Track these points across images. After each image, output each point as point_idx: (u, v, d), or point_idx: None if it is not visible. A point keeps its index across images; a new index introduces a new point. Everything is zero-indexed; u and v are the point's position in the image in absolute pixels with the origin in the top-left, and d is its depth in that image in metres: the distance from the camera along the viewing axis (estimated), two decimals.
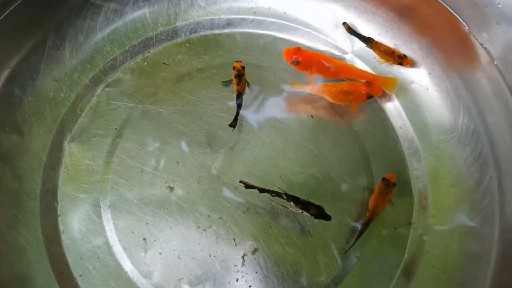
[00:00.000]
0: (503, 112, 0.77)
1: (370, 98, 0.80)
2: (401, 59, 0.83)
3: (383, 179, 0.76)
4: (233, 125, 0.79)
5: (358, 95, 0.79)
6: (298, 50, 0.79)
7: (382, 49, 0.85)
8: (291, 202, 0.73)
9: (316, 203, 0.73)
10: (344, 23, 0.86)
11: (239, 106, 0.80)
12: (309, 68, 0.79)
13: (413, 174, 0.80)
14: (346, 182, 0.79)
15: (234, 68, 0.80)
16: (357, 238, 0.75)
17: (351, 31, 0.86)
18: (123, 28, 0.86)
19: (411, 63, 0.84)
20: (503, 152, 0.77)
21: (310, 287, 0.73)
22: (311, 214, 0.73)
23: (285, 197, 0.74)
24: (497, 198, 0.76)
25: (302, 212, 0.74)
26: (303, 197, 0.74)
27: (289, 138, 0.81)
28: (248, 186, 0.75)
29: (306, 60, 0.79)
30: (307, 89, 0.82)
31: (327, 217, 0.73)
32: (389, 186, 0.76)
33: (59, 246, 0.74)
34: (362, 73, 0.81)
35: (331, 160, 0.80)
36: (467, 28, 0.79)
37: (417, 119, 0.83)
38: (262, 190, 0.74)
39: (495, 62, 0.78)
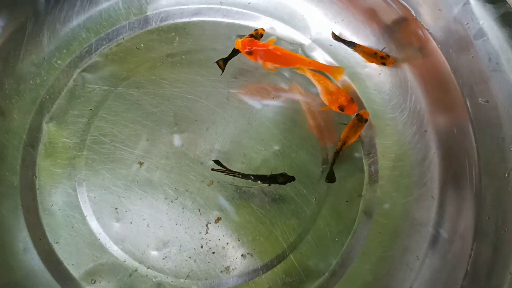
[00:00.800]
0: (447, 92, 0.84)
1: (341, 110, 0.84)
2: (384, 59, 0.88)
3: (357, 115, 0.84)
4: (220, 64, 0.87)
5: (333, 100, 0.84)
6: (251, 40, 0.84)
7: (365, 51, 0.89)
8: (259, 182, 0.80)
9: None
10: (332, 33, 0.91)
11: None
12: (262, 58, 0.84)
13: (366, 149, 0.87)
14: (303, 158, 0.85)
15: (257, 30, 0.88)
16: (331, 166, 0.83)
17: (337, 38, 0.91)
18: (98, 17, 0.92)
19: (394, 62, 0.89)
20: (445, 129, 0.84)
21: (268, 253, 0.80)
22: (280, 183, 0.79)
23: (252, 178, 0.80)
24: (439, 172, 0.83)
25: (270, 185, 0.80)
26: (265, 171, 0.81)
27: (251, 118, 0.87)
28: (218, 170, 0.80)
29: (258, 51, 0.84)
30: (307, 73, 0.87)
31: (293, 179, 0.79)
32: (361, 121, 0.84)
33: (37, 216, 0.80)
34: (311, 62, 0.86)
35: (290, 138, 0.86)
36: (414, 14, 0.86)
37: (370, 100, 0.89)
38: (231, 173, 0.80)
39: (439, 46, 0.84)
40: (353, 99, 0.83)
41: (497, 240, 0.71)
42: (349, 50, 0.91)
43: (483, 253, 0.72)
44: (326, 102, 0.85)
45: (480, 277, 0.71)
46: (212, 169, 0.81)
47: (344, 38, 0.91)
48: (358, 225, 0.82)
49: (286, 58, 0.85)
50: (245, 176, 0.80)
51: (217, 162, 0.80)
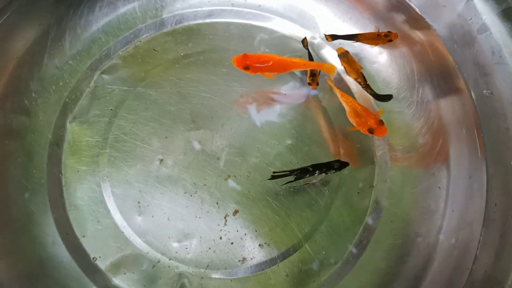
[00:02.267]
0: (451, 85, 0.87)
1: (370, 133, 0.84)
2: (388, 36, 0.90)
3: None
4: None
5: (362, 123, 0.84)
6: (245, 56, 0.85)
7: (367, 37, 0.91)
8: (317, 172, 0.82)
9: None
10: (326, 35, 0.93)
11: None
12: (259, 70, 0.86)
13: (376, 143, 0.90)
14: (315, 151, 0.88)
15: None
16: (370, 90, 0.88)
17: (334, 36, 0.92)
18: (116, 21, 0.96)
19: (397, 36, 0.90)
20: (452, 120, 0.87)
21: (284, 242, 0.83)
22: (336, 170, 0.83)
23: (311, 169, 0.82)
24: (447, 162, 0.86)
25: (327, 173, 0.84)
26: (279, 165, 0.85)
27: (265, 114, 0.91)
28: (279, 176, 0.82)
29: (254, 64, 0.85)
30: (337, 92, 0.89)
31: (347, 164, 0.84)
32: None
33: (64, 212, 0.84)
34: (306, 64, 0.88)
35: (302, 133, 0.90)
36: (419, 11, 0.89)
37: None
38: (291, 173, 0.82)
39: (444, 41, 0.87)
40: (382, 121, 0.84)
41: (504, 226, 0.74)
42: (358, 47, 0.94)
43: (491, 239, 0.75)
44: (355, 124, 0.85)
45: (488, 262, 0.74)
46: (273, 177, 0.83)
47: (341, 34, 0.93)
48: (369, 214, 0.86)
49: (280, 65, 0.86)
50: (303, 171, 0.82)
51: (273, 175, 0.82)
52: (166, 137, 0.89)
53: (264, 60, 0.85)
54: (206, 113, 0.91)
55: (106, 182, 0.86)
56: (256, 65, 0.85)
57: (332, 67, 0.88)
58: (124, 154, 0.88)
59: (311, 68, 0.90)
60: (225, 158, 0.87)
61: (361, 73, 0.90)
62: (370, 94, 0.90)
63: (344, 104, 0.87)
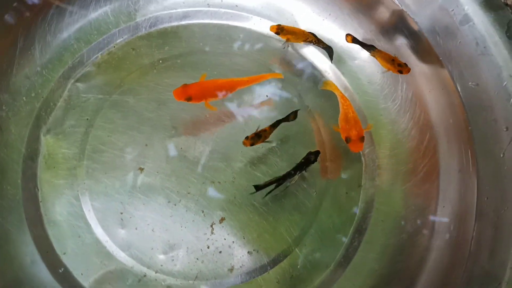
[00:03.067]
0: (436, 78, 0.86)
1: (346, 141, 0.82)
2: (401, 67, 0.84)
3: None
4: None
5: (345, 130, 0.82)
6: (185, 87, 0.81)
7: (382, 56, 0.85)
8: (298, 173, 0.81)
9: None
10: (348, 35, 0.88)
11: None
12: (203, 98, 0.82)
13: None
14: (301, 152, 0.86)
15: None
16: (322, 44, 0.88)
17: (355, 40, 0.87)
18: (88, 27, 0.92)
19: (409, 71, 0.84)
20: (438, 114, 0.85)
21: (273, 248, 0.81)
22: (313, 162, 0.82)
23: (292, 172, 0.80)
24: (436, 157, 0.85)
25: (306, 171, 0.82)
26: (265, 168, 0.84)
27: (247, 117, 0.88)
28: (261, 188, 0.80)
29: (195, 93, 0.81)
30: (337, 92, 0.86)
31: (318, 152, 0.83)
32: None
33: (43, 229, 0.80)
34: (248, 80, 0.85)
35: (286, 134, 0.87)
36: (399, 4, 0.88)
37: (363, 92, 0.91)
38: (274, 182, 0.80)
39: (426, 34, 0.86)
40: (364, 138, 0.81)
41: (497, 219, 0.73)
42: (339, 43, 0.92)
43: (484, 233, 0.74)
44: (340, 127, 0.83)
45: (483, 256, 0.72)
46: (256, 190, 0.80)
47: (360, 40, 0.88)
48: (360, 214, 0.84)
49: (224, 87, 0.83)
50: (286, 176, 0.80)
51: (256, 186, 0.80)
52: (146, 145, 0.86)
53: (206, 86, 0.83)
54: (187, 118, 0.88)
55: (85, 195, 0.82)
56: (199, 93, 0.81)
57: (278, 76, 0.87)
58: (103, 165, 0.84)
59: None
60: (208, 164, 0.84)
61: (308, 33, 0.88)
62: (323, 47, 0.90)
63: (340, 105, 0.85)
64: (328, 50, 0.90)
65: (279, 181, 0.80)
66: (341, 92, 0.86)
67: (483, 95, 0.79)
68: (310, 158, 0.81)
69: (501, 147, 0.75)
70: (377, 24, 0.91)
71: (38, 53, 0.89)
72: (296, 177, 0.81)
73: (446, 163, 0.83)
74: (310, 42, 0.89)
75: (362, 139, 0.81)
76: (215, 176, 0.84)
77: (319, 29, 0.93)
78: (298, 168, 0.80)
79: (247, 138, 0.80)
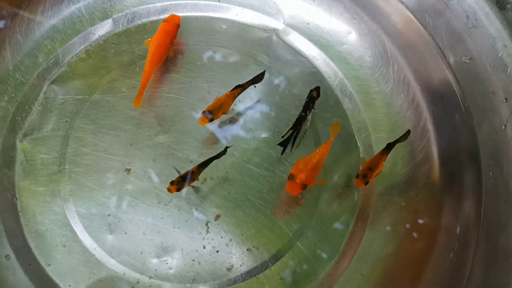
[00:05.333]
0: (428, 56, 0.84)
1: (288, 177, 0.73)
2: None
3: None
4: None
5: (298, 165, 0.74)
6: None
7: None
8: (309, 114, 0.80)
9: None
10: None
11: None
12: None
13: (356, 126, 0.85)
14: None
15: None
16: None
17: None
18: (61, 25, 0.87)
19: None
20: (432, 94, 0.83)
21: (274, 243, 0.76)
22: (318, 98, 0.81)
23: (303, 114, 0.79)
24: (434, 136, 0.82)
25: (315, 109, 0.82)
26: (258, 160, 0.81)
27: (236, 108, 0.84)
28: (285, 143, 0.79)
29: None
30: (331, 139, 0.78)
31: (318, 87, 0.82)
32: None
33: (23, 240, 0.75)
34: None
35: (278, 124, 0.84)
36: None
37: (354, 77, 0.88)
38: (293, 130, 0.78)
39: (413, 13, 0.84)
40: (306, 186, 0.72)
41: (505, 193, 0.70)
42: (325, 29, 0.89)
43: (494, 208, 0.71)
44: (300, 162, 0.74)
45: (495, 232, 0.70)
46: (283, 147, 0.79)
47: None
48: (361, 202, 0.80)
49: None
50: (300, 120, 0.78)
51: (281, 144, 0.79)
52: (131, 145, 0.81)
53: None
54: (172, 114, 0.83)
55: (69, 202, 0.77)
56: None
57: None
58: (86, 168, 0.79)
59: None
60: (199, 160, 0.79)
61: (233, 90, 0.79)
62: (255, 82, 0.82)
63: (317, 148, 0.76)
64: (259, 78, 0.83)
65: (296, 127, 0.77)
66: (333, 139, 0.78)
67: (478, 69, 0.77)
68: (313, 95, 0.80)
69: (502, 119, 0.73)
70: (362, 7, 0.88)
71: (9, 54, 0.84)
72: (309, 117, 0.80)
73: (445, 142, 0.81)
74: (240, 92, 0.80)
75: (303, 186, 0.72)
76: (207, 172, 0.79)
77: (304, 14, 0.90)
78: (307, 108, 0.79)
79: (172, 183, 0.73)
